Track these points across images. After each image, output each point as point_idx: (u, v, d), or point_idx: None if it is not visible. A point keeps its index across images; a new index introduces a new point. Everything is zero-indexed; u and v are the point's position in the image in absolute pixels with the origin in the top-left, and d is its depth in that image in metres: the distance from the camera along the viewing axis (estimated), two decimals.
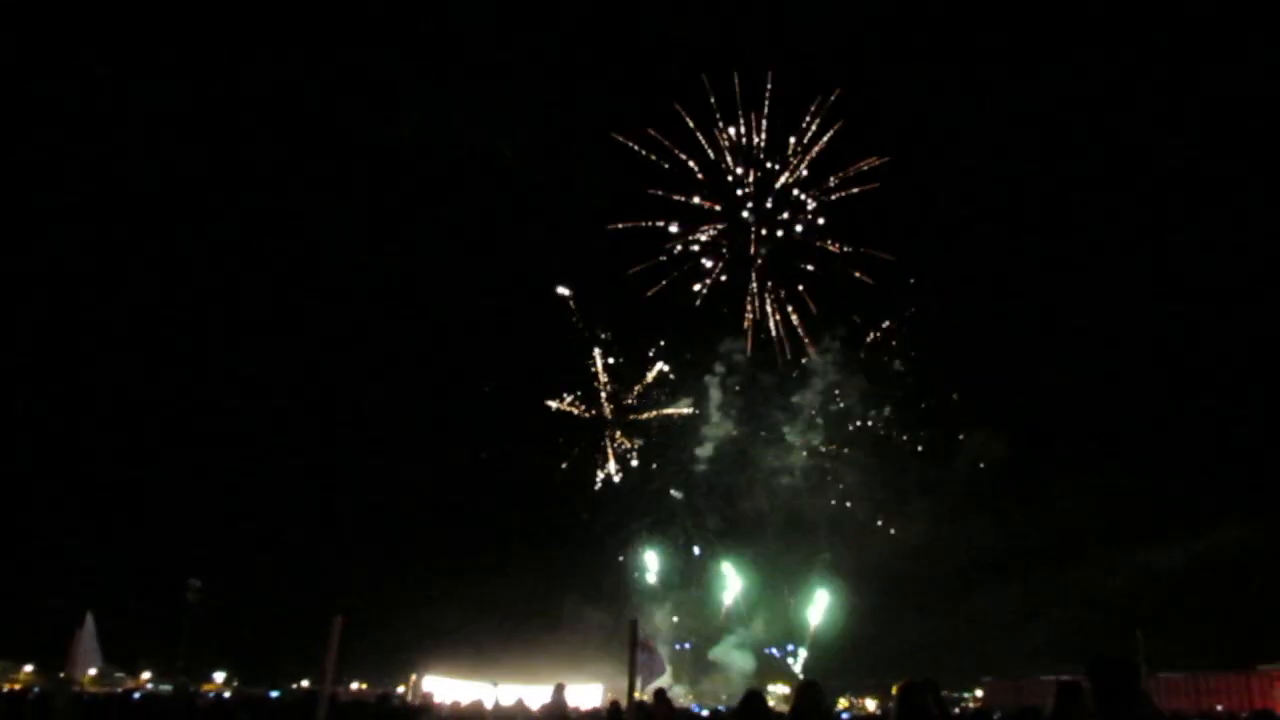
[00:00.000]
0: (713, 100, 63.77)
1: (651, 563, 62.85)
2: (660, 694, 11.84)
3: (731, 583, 62.83)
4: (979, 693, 65.46)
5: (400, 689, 58.86)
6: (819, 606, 61.78)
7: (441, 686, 50.94)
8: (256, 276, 78.53)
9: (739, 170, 64.78)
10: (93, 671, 47.17)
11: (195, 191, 77.08)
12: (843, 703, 64.11)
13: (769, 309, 64.60)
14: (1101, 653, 6.63)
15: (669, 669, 56.57)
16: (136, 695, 23.01)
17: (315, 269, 78.06)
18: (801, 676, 62.26)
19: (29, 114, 65.85)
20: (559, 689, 14.50)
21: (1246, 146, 68.14)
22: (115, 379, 70.23)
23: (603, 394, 65.46)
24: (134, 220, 71.72)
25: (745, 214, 64.88)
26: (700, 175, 64.43)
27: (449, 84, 75.36)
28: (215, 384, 73.22)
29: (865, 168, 63.41)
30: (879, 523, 62.31)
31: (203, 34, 67.85)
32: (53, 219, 69.86)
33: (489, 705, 22.25)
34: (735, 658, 61.06)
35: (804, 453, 63.92)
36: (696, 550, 64.06)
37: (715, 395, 64.34)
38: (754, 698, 7.90)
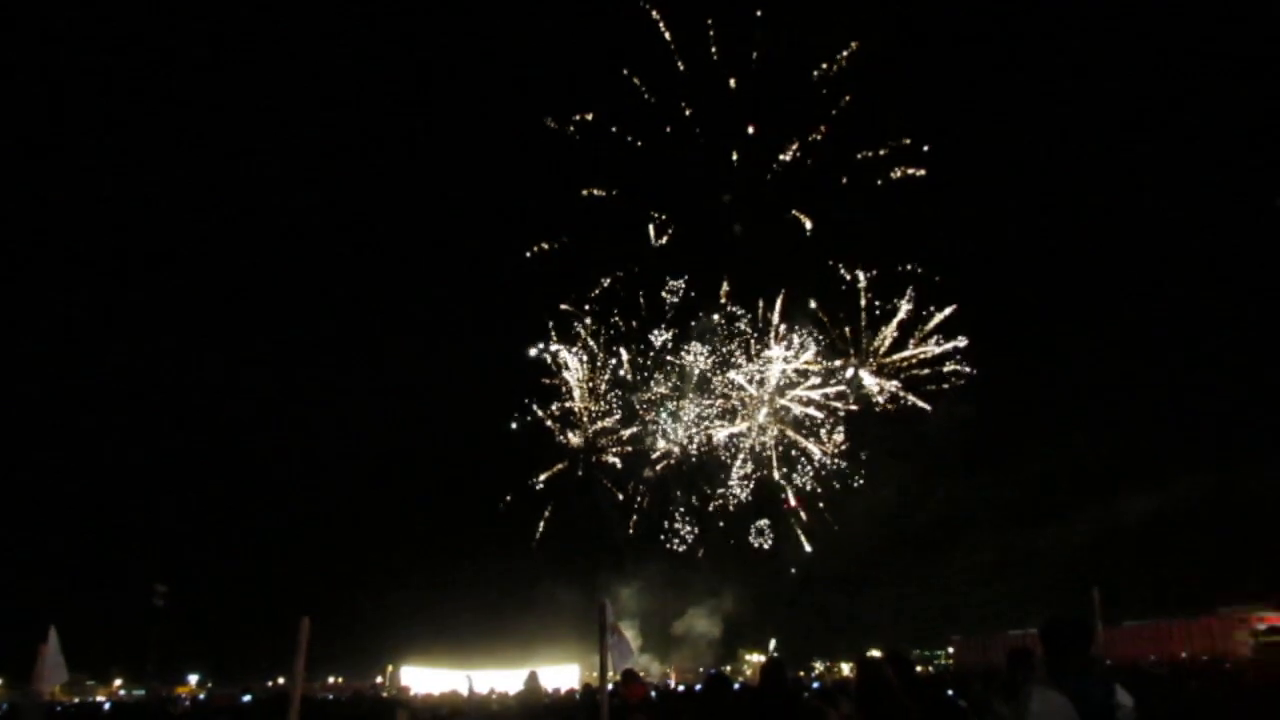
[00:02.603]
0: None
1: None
2: (630, 674, 11.89)
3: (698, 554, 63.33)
4: (950, 650, 66.56)
5: (377, 680, 58.80)
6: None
7: (418, 677, 50.92)
8: (220, 274, 77.72)
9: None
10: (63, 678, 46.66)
11: (178, 192, 76.36)
12: (818, 668, 64.96)
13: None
14: (1055, 614, 6.76)
15: (639, 641, 56.97)
16: (106, 705, 22.80)
17: (278, 267, 77.39)
18: (773, 644, 62.98)
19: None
20: (532, 677, 14.54)
21: (1200, 125, 68.94)
22: (75, 382, 69.31)
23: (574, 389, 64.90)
24: (104, 219, 70.86)
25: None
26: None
27: None
28: (174, 385, 72.30)
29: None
30: (847, 487, 62.54)
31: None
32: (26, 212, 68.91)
33: (464, 694, 22.25)
34: (703, 627, 61.44)
35: (775, 426, 64.02)
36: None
37: (694, 375, 64.12)
38: (718, 680, 7.98)
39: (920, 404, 61.24)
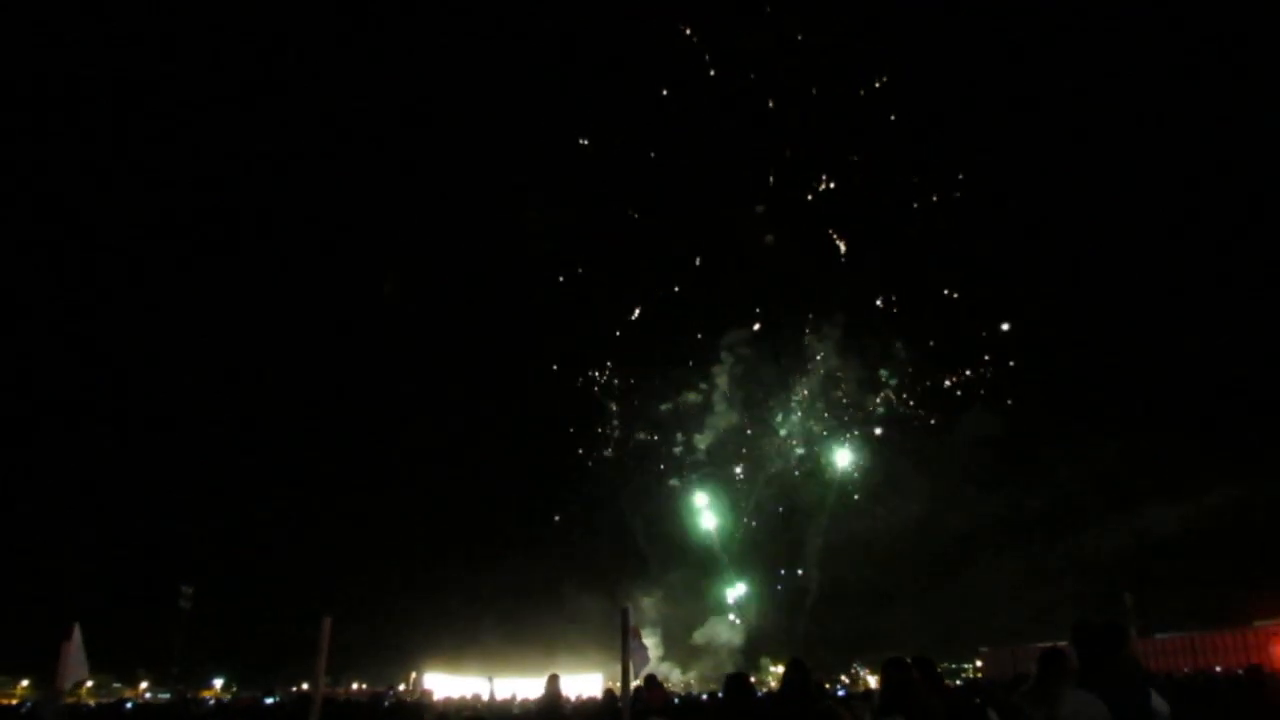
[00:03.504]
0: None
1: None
2: (651, 679, 11.78)
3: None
4: (979, 663, 65.70)
5: (401, 687, 58.83)
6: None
7: (440, 683, 50.89)
8: (251, 280, 78.31)
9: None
10: (90, 684, 46.85)
11: (190, 186, 77.12)
12: (844, 680, 64.42)
13: None
14: (1086, 617, 6.55)
15: (660, 650, 56.80)
16: (129, 705, 22.92)
17: (304, 276, 77.95)
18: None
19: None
20: (552, 680, 14.37)
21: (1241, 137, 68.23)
22: (103, 384, 69.98)
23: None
24: (129, 222, 71.61)
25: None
26: None
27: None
28: (201, 386, 72.81)
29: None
30: (876, 504, 62.19)
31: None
32: (60, 221, 69.82)
33: (484, 699, 22.18)
34: (723, 636, 61.09)
35: (800, 442, 63.82)
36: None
37: (722, 384, 64.09)
38: (738, 680, 7.81)
39: (949, 419, 61.02)
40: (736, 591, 62.97)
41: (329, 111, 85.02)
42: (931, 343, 61.79)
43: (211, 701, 38.43)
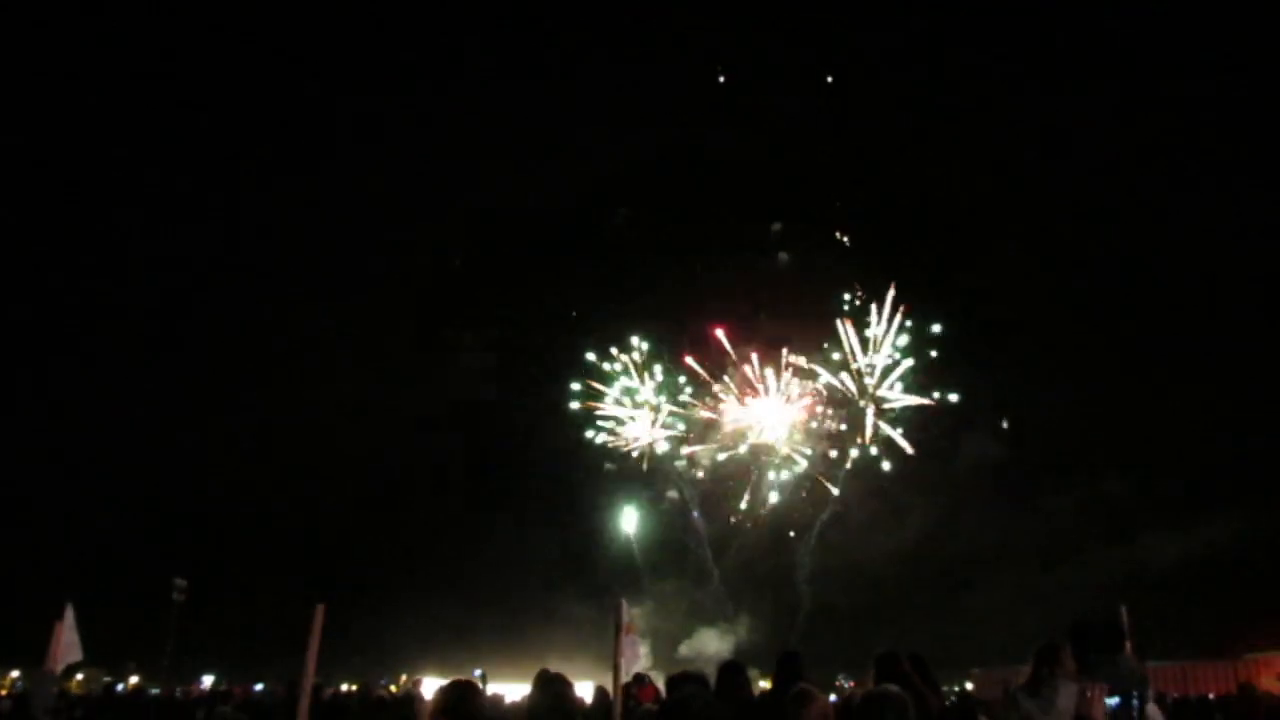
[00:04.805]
0: None
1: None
2: (640, 678, 11.68)
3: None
4: (969, 685, 65.59)
5: (392, 688, 58.57)
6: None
7: (432, 684, 50.73)
8: (242, 271, 78.36)
9: None
10: (79, 677, 46.50)
11: (192, 186, 77.28)
12: (833, 696, 64.22)
13: None
14: (1084, 618, 6.57)
15: (649, 661, 56.66)
16: (119, 687, 22.91)
17: (307, 273, 77.93)
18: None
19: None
20: (542, 675, 14.25)
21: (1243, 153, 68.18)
22: (94, 370, 69.81)
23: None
24: (129, 211, 71.74)
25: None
26: None
27: None
28: (196, 375, 72.53)
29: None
30: (870, 528, 62.07)
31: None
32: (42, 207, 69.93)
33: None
34: (711, 646, 60.86)
35: (799, 462, 63.78)
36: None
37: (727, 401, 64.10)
38: (732, 668, 7.79)
39: (949, 444, 61.27)
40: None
41: (335, 112, 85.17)
42: (938, 393, 62.09)
43: (205, 687, 38.40)
